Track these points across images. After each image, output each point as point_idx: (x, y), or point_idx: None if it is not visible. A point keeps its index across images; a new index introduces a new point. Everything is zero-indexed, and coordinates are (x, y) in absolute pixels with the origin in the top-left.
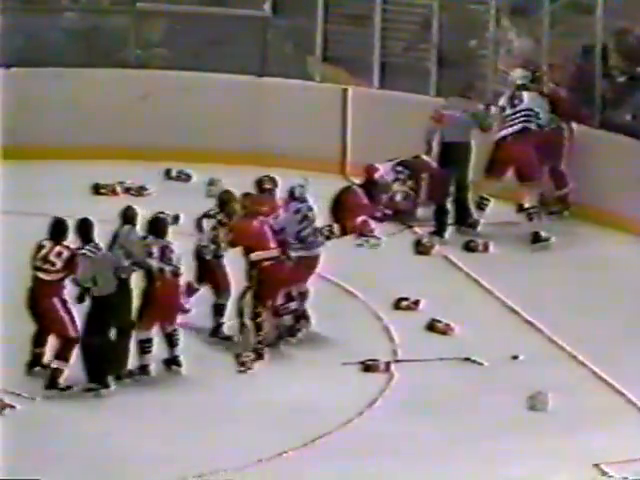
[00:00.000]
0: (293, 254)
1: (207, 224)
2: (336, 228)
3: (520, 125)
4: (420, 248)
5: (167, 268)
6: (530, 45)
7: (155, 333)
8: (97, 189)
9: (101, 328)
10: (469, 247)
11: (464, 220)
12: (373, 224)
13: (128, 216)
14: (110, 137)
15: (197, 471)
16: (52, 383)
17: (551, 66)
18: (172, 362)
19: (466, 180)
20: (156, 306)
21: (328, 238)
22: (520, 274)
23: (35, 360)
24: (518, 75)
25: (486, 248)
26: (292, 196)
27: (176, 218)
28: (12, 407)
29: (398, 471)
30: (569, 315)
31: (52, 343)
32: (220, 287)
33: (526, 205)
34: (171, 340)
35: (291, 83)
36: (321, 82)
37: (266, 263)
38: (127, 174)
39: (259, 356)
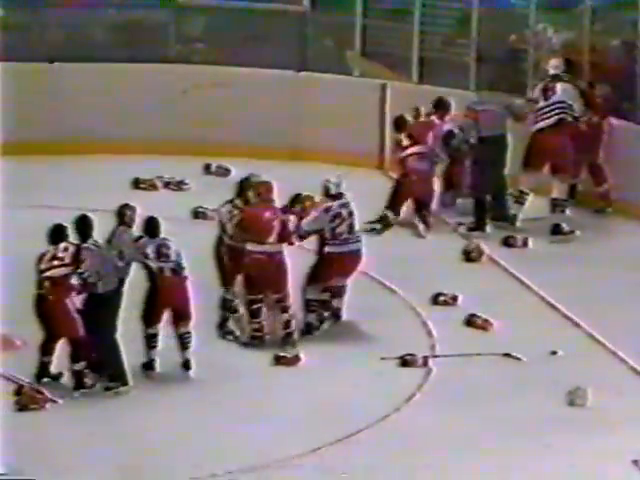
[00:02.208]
0: (329, 250)
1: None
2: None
3: (556, 117)
4: (470, 257)
5: (166, 266)
6: (569, 40)
7: (163, 329)
8: (137, 184)
9: (107, 325)
10: (508, 243)
11: (501, 215)
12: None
13: (123, 214)
14: (150, 132)
15: (231, 468)
16: (79, 384)
17: (593, 64)
18: (185, 365)
19: (503, 174)
20: (159, 305)
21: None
22: (559, 269)
23: (43, 370)
24: (552, 65)
25: (525, 244)
26: (327, 193)
27: None
28: (54, 402)
29: (436, 466)
30: (609, 310)
31: (61, 350)
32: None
33: (554, 196)
34: (182, 342)
35: (330, 78)
36: (360, 77)
37: (258, 255)
38: (167, 169)
39: (260, 343)
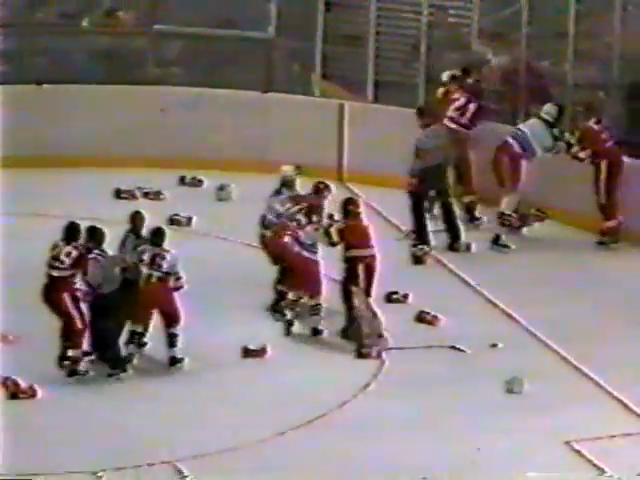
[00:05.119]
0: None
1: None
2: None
3: (504, 139)
4: (416, 259)
5: (155, 274)
6: (507, 64)
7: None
8: (118, 194)
9: (107, 320)
10: (453, 247)
11: (456, 237)
12: None
13: (133, 221)
14: (130, 147)
15: (203, 450)
16: (72, 371)
17: (590, 105)
18: (171, 361)
19: (448, 197)
20: (143, 306)
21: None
22: (500, 272)
23: (65, 353)
24: (545, 109)
25: (468, 248)
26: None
27: (189, 220)
28: (33, 393)
29: (389, 448)
30: (543, 307)
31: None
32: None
33: (501, 210)
34: (170, 341)
35: (293, 98)
36: (320, 97)
37: (369, 260)
38: (145, 180)
39: (382, 338)
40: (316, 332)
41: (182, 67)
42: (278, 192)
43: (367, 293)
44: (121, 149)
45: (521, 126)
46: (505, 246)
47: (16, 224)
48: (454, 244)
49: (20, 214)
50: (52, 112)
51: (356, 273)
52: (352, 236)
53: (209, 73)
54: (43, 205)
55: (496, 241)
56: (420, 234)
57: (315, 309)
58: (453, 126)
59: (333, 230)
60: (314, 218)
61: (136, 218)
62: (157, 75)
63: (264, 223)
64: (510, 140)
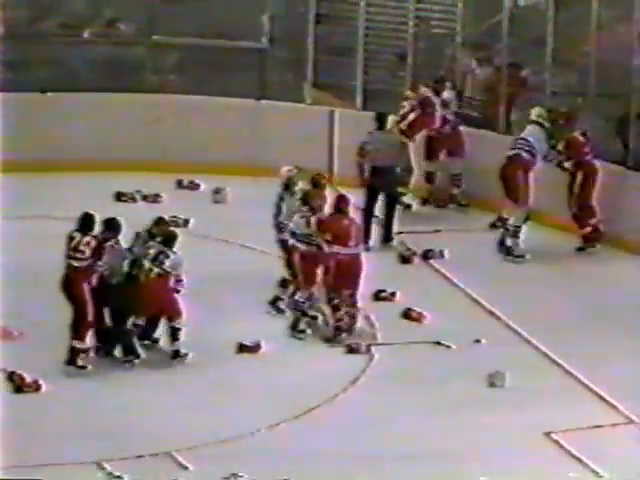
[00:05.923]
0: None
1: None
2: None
3: (514, 151)
4: (404, 259)
5: (155, 269)
6: (491, 74)
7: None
8: (119, 197)
9: (111, 311)
10: (427, 256)
11: (389, 236)
12: None
13: (156, 225)
14: (130, 152)
15: (199, 441)
16: (71, 360)
17: (571, 115)
18: (173, 355)
19: (394, 199)
20: (143, 299)
21: None
22: (484, 271)
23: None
24: (533, 113)
25: (442, 255)
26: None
27: (186, 221)
28: (38, 386)
29: (376, 439)
30: (525, 305)
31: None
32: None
33: (504, 217)
34: (172, 335)
35: (285, 105)
36: (311, 104)
37: (343, 257)
38: (144, 184)
39: (341, 331)
40: (294, 326)
41: (179, 75)
42: (292, 194)
43: (335, 291)
44: (121, 154)
45: (523, 135)
46: (520, 256)
47: (19, 226)
48: (387, 243)
49: (23, 216)
50: (55, 118)
51: (329, 270)
52: (331, 230)
53: (205, 81)
54: (46, 207)
55: (509, 252)
56: (365, 230)
57: (296, 304)
58: (396, 132)
59: (312, 220)
60: (304, 209)
61: (160, 224)
62: (155, 83)
63: (290, 233)
64: (517, 151)
